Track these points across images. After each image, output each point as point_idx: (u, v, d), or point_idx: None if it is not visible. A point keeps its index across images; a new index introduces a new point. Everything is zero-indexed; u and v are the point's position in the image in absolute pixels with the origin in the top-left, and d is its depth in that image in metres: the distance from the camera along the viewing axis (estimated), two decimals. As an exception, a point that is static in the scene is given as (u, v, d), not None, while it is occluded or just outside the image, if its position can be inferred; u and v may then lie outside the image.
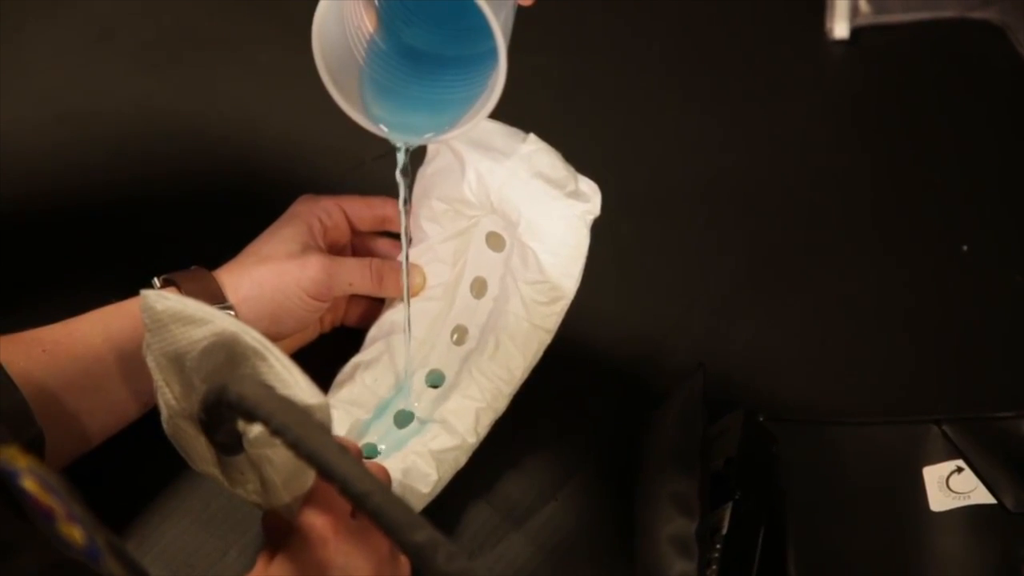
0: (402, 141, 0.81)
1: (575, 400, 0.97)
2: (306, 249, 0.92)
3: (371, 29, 0.80)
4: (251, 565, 0.86)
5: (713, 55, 1.21)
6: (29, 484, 0.57)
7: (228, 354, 0.69)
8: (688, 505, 0.84)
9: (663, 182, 1.11)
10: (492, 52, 0.74)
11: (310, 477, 0.72)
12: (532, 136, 0.90)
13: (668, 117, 1.16)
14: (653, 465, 0.89)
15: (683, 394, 0.91)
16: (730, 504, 0.86)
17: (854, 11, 1.21)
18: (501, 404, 0.91)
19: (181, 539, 0.90)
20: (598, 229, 0.90)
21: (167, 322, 0.69)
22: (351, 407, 0.91)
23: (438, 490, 0.88)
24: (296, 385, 0.67)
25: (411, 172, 0.84)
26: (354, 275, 0.93)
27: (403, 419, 0.92)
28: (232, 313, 0.88)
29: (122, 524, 0.89)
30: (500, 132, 0.89)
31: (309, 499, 0.72)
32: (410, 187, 0.85)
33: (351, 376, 0.93)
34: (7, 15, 1.17)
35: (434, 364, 0.94)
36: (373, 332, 0.96)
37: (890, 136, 1.16)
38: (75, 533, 0.57)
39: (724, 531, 0.85)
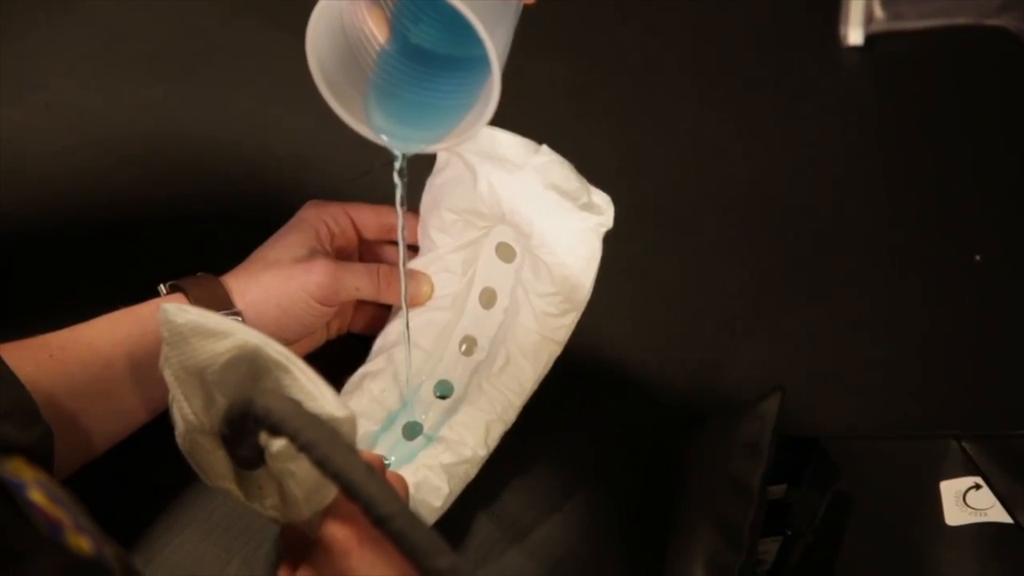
0: (399, 148, 0.80)
1: (582, 412, 0.97)
2: (313, 254, 0.92)
3: (375, 30, 0.79)
4: (254, 575, 0.87)
5: (727, 62, 1.20)
6: (36, 496, 0.57)
7: (250, 367, 0.69)
8: (735, 535, 0.82)
9: (676, 191, 1.11)
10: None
11: (332, 491, 0.71)
12: (544, 147, 0.89)
13: (681, 126, 1.16)
14: (702, 482, 0.87)
15: (754, 416, 0.87)
16: (780, 539, 0.84)
17: (869, 18, 1.20)
18: (511, 416, 0.91)
19: (184, 548, 0.89)
20: (610, 239, 0.90)
21: (188, 335, 0.68)
22: (359, 418, 0.90)
23: (449, 503, 0.88)
24: (322, 397, 0.67)
25: (408, 174, 0.83)
26: (361, 280, 0.93)
27: (412, 431, 0.92)
28: (240, 319, 0.88)
29: (126, 533, 0.88)
30: (512, 143, 0.88)
31: (331, 510, 0.72)
32: (405, 189, 0.84)
33: (359, 386, 0.93)
34: (14, 23, 1.16)
35: (442, 375, 0.94)
36: (380, 342, 0.95)
37: (904, 143, 1.16)
38: (83, 544, 0.57)
39: (768, 567, 0.83)
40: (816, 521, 0.87)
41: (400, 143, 0.79)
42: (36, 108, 1.12)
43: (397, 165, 0.82)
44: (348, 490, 0.62)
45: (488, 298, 0.95)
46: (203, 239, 1.02)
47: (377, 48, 0.79)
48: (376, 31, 0.79)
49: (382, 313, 0.97)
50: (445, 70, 0.81)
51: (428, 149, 0.80)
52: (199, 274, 0.90)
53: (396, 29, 0.80)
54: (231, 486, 0.73)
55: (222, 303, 0.88)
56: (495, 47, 0.71)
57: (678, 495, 0.89)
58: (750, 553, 0.81)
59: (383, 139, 0.78)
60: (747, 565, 0.81)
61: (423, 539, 0.61)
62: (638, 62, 1.19)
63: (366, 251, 0.98)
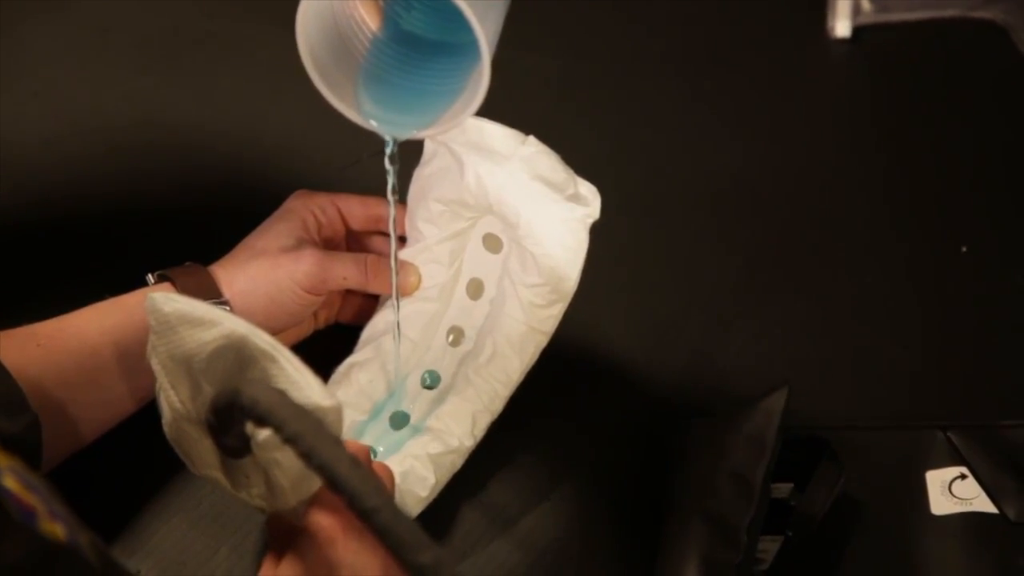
0: (389, 133, 0.80)
1: (569, 401, 0.97)
2: (300, 243, 0.92)
3: (366, 17, 0.79)
4: (241, 563, 0.87)
5: (714, 54, 1.20)
6: (9, 482, 0.56)
7: (237, 356, 0.69)
8: (733, 532, 0.80)
9: (663, 182, 1.11)
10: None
11: (317, 480, 0.71)
12: (532, 138, 0.89)
13: (668, 116, 1.16)
14: (699, 476, 0.86)
15: (759, 411, 0.86)
16: (780, 539, 0.84)
17: (856, 10, 1.21)
18: (498, 406, 0.91)
19: (171, 537, 0.89)
20: (597, 229, 0.89)
21: (175, 324, 0.68)
22: (346, 408, 0.90)
23: (435, 493, 0.88)
24: (309, 387, 0.67)
25: (399, 160, 0.83)
26: (348, 269, 0.93)
27: (399, 421, 0.92)
28: (227, 308, 0.88)
29: (113, 522, 0.88)
30: (499, 134, 0.88)
31: (316, 500, 0.72)
32: (397, 175, 0.84)
33: (346, 376, 0.93)
34: (2, 13, 1.16)
35: (429, 365, 0.94)
36: (367, 332, 0.95)
37: (891, 135, 1.16)
38: (57, 531, 0.56)
39: (767, 566, 0.83)
40: (819, 522, 0.86)
41: (390, 128, 0.79)
42: (25, 97, 1.12)
43: (388, 151, 0.82)
44: (332, 483, 0.61)
45: (475, 289, 0.95)
46: (191, 228, 1.02)
47: (368, 35, 0.79)
48: (367, 18, 0.79)
49: (370, 303, 0.97)
50: (436, 56, 0.81)
51: (418, 134, 0.80)
52: (187, 264, 0.90)
53: (388, 16, 0.81)
54: (217, 475, 0.73)
55: (210, 292, 0.88)
56: (485, 33, 0.71)
57: (672, 488, 0.89)
58: (748, 552, 0.80)
59: (373, 124, 0.79)
60: (745, 564, 0.80)
61: (407, 533, 0.60)
62: (626, 54, 1.19)
63: (353, 242, 0.98)
